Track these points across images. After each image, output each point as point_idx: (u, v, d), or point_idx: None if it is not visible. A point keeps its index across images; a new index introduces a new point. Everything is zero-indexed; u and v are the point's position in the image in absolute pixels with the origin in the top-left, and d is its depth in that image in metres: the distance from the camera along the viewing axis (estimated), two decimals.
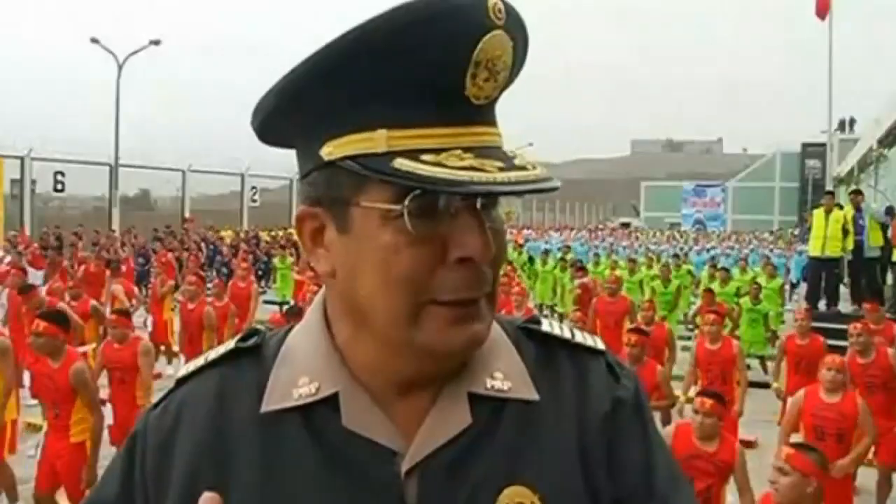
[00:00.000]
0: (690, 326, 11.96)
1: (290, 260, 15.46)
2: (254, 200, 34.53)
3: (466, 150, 0.67)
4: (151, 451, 0.77)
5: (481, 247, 0.68)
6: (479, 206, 0.69)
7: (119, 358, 5.76)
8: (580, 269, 12.77)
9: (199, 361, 0.82)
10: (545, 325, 0.84)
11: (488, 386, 0.75)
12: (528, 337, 0.82)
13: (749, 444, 6.66)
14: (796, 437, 4.88)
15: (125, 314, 6.31)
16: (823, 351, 6.68)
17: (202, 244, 20.41)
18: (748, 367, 7.29)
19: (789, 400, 5.77)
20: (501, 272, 0.77)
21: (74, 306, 8.15)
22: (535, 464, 0.73)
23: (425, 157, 0.66)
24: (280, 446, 0.73)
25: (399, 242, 0.68)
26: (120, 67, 25.95)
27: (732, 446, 4.13)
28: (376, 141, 0.67)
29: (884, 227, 11.01)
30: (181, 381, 0.82)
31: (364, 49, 0.66)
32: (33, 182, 25.88)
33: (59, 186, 26.30)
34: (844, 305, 11.09)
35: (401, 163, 0.65)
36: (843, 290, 12.05)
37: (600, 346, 0.83)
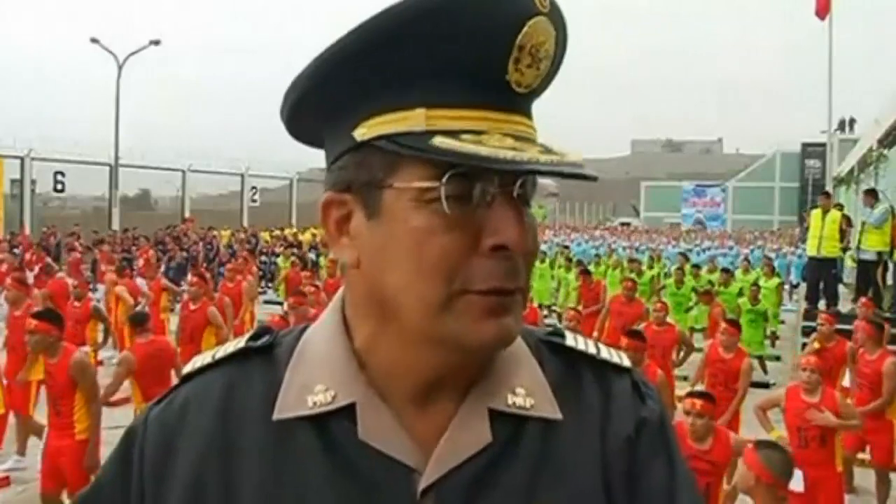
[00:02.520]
0: (697, 328, 11.94)
1: (291, 260, 15.43)
2: (254, 200, 34.54)
3: (506, 135, 0.65)
4: (152, 449, 0.74)
5: (517, 235, 0.65)
6: (515, 195, 0.66)
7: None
8: (584, 272, 12.70)
9: (206, 358, 0.79)
10: (569, 340, 0.80)
11: (509, 402, 0.72)
12: (551, 351, 0.79)
13: None
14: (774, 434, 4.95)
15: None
16: (846, 354, 6.70)
17: (200, 244, 20.39)
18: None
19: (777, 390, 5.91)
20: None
21: (77, 307, 8.17)
22: (557, 486, 0.71)
23: (465, 136, 0.63)
24: (291, 455, 0.70)
25: (433, 225, 0.64)
26: (120, 67, 25.98)
27: (727, 442, 4.19)
28: (414, 119, 0.65)
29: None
30: (186, 378, 0.78)
31: (407, 26, 0.64)
32: (33, 182, 25.88)
33: (59, 186, 26.33)
34: (844, 305, 11.09)
35: (440, 140, 0.63)
36: (843, 290, 12.06)
37: (626, 363, 0.80)
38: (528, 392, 0.73)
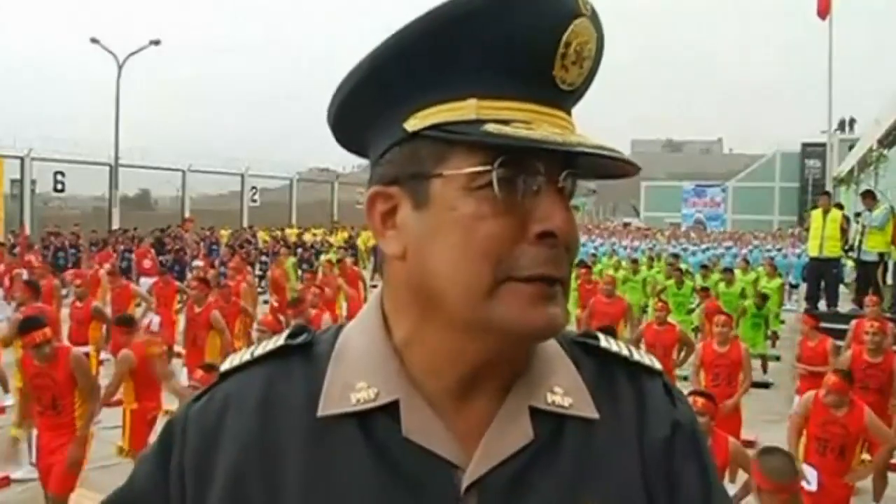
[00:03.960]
0: (693, 326, 11.95)
1: (293, 260, 15.43)
2: (254, 200, 34.54)
3: (551, 126, 0.68)
4: (193, 446, 0.74)
5: (564, 223, 0.67)
6: (560, 184, 0.68)
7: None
8: (583, 265, 12.74)
9: (245, 356, 0.79)
10: (603, 342, 0.82)
11: (549, 401, 0.73)
12: (584, 352, 0.80)
13: (749, 444, 6.67)
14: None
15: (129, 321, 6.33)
16: (830, 353, 6.74)
17: (200, 244, 20.38)
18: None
19: (798, 399, 5.80)
20: None
21: (79, 307, 8.19)
22: (598, 484, 0.72)
23: (515, 125, 0.66)
24: (335, 451, 0.70)
25: (483, 211, 0.66)
26: (120, 67, 25.96)
27: (724, 446, 4.20)
28: (466, 109, 0.67)
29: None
30: (225, 375, 0.79)
31: (463, 19, 0.66)
32: (33, 182, 25.88)
33: (59, 186, 26.32)
34: (844, 305, 11.09)
35: (493, 126, 0.65)
36: (843, 290, 12.06)
37: (658, 366, 0.82)
38: (565, 391, 0.75)
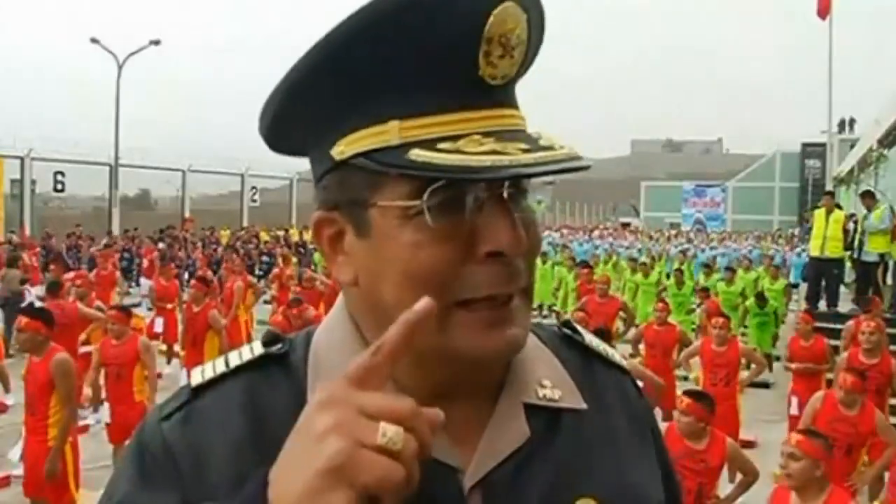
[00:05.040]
0: (694, 327, 11.95)
1: (295, 260, 15.43)
2: (254, 200, 34.52)
3: (486, 134, 0.62)
4: (185, 470, 0.68)
5: (511, 239, 0.63)
6: (505, 195, 0.64)
7: (115, 354, 5.74)
8: (584, 265, 12.75)
9: (219, 367, 0.74)
10: (586, 337, 0.83)
11: (540, 395, 0.73)
12: (565, 345, 0.81)
13: (749, 444, 6.67)
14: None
15: (124, 310, 6.26)
16: (826, 353, 6.75)
17: (200, 245, 20.37)
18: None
19: (795, 400, 5.80)
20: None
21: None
22: (597, 475, 0.72)
23: (442, 145, 0.61)
24: None
25: (420, 240, 0.63)
26: (120, 67, 25.98)
27: (722, 445, 4.18)
28: (388, 133, 0.63)
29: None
30: (199, 390, 0.72)
31: (366, 33, 0.62)
32: (33, 182, 25.88)
33: (59, 186, 26.33)
34: (844, 305, 11.08)
35: (416, 153, 0.61)
36: (843, 291, 12.04)
37: (626, 366, 0.86)
38: (553, 384, 0.74)
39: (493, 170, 0.59)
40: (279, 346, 0.74)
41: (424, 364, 0.67)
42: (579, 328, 0.84)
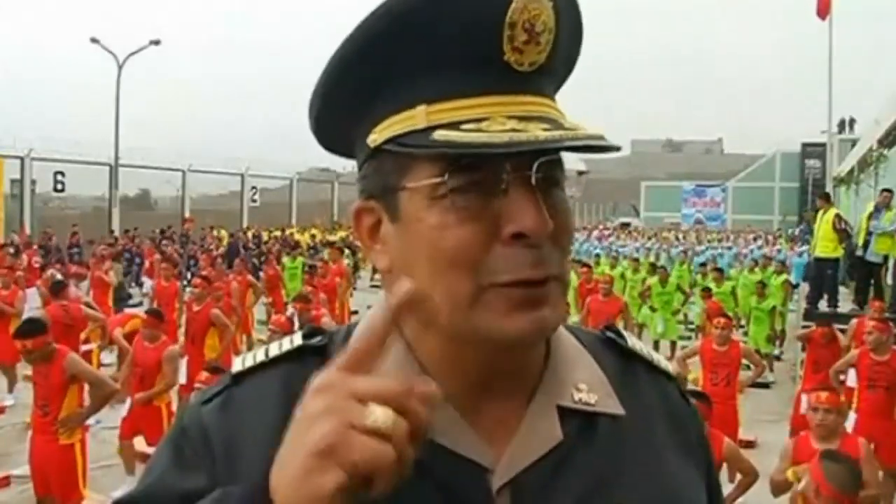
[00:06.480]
0: (691, 327, 11.95)
1: (301, 259, 15.40)
2: (254, 200, 34.55)
3: (511, 117, 0.64)
4: (220, 455, 0.70)
5: (535, 222, 0.63)
6: (533, 181, 0.64)
7: (144, 358, 6.06)
8: (585, 265, 12.78)
9: (259, 356, 0.76)
10: (630, 341, 0.82)
11: (575, 398, 0.72)
12: (607, 348, 0.80)
13: (749, 444, 6.68)
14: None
15: (156, 315, 6.49)
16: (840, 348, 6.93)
17: (199, 245, 20.37)
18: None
19: (805, 399, 5.83)
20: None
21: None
22: (634, 483, 0.71)
23: (466, 126, 0.63)
24: None
25: (446, 222, 0.64)
26: (120, 67, 25.98)
27: (719, 446, 4.17)
28: (416, 118, 0.65)
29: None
30: (238, 377, 0.75)
31: (395, 21, 0.64)
32: (33, 182, 25.87)
33: (59, 186, 26.32)
34: (844, 305, 11.09)
35: (440, 134, 0.62)
36: (844, 290, 12.04)
37: (672, 371, 0.84)
38: (589, 388, 0.74)
39: (510, 145, 0.60)
40: (319, 338, 0.76)
41: (462, 349, 0.68)
42: (624, 332, 0.83)
